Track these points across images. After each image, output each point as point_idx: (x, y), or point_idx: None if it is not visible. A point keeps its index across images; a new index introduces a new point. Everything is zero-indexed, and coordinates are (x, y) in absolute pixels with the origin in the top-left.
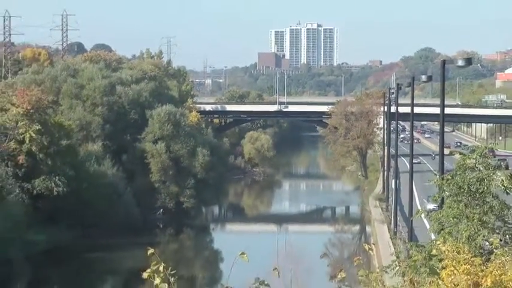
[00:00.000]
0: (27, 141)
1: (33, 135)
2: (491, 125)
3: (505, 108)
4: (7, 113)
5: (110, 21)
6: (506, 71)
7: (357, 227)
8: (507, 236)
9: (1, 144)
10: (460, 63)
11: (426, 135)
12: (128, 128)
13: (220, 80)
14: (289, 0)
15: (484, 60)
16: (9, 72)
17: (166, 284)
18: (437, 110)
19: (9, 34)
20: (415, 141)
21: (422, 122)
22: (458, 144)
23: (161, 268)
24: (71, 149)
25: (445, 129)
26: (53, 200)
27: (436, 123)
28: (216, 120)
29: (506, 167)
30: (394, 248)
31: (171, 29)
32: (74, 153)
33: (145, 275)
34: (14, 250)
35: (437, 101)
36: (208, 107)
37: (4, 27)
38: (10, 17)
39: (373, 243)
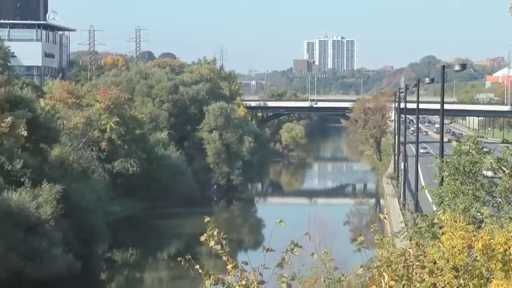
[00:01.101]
0: (108, 131)
1: (113, 125)
2: (482, 118)
3: (493, 104)
4: (92, 107)
5: (174, 33)
6: (494, 74)
7: (373, 200)
8: (495, 208)
9: (87, 133)
10: (457, 68)
11: (425, 125)
12: (188, 120)
13: (263, 82)
14: (319, 18)
15: (476, 66)
16: (94, 75)
17: (219, 246)
18: (438, 106)
19: (94, 45)
20: (424, 133)
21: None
22: (448, 130)
23: (215, 233)
24: (143, 137)
25: (444, 122)
26: (129, 178)
27: (436, 116)
28: (259, 114)
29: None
30: (403, 217)
31: (224, 39)
32: (145, 140)
33: (202, 238)
34: (98, 218)
35: (438, 99)
36: (253, 103)
37: (89, 39)
38: (94, 31)
39: (386, 213)
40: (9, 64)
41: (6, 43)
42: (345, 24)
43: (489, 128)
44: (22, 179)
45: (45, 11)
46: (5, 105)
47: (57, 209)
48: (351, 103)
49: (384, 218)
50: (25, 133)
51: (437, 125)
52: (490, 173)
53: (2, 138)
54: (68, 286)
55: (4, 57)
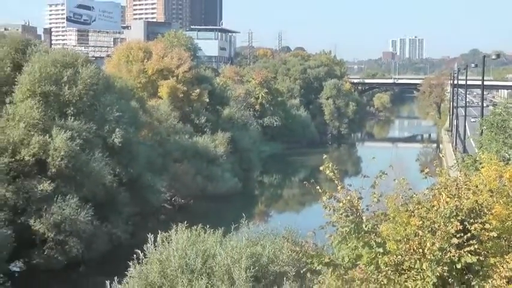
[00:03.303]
0: (260, 98)
1: (263, 94)
2: (510, 90)
3: None
4: (250, 83)
5: (304, 33)
6: None
7: (434, 145)
8: None
9: (247, 99)
10: (493, 57)
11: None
12: (312, 91)
13: (362, 66)
14: (399, 23)
15: (507, 55)
16: (251, 62)
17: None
18: (479, 82)
19: (251, 42)
20: (476, 103)
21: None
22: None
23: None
24: (282, 102)
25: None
26: (273, 129)
27: (478, 89)
28: (359, 87)
29: None
30: (455, 156)
31: (337, 37)
32: (284, 104)
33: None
34: (253, 155)
35: (480, 77)
36: (355, 80)
37: (248, 38)
38: (252, 33)
39: (443, 153)
40: (197, 55)
41: (196, 41)
42: (417, 25)
43: None
44: (205, 129)
45: (220, 19)
46: (194, 81)
47: (227, 149)
48: (421, 80)
49: (442, 156)
50: (207, 99)
51: (474, 93)
52: None
53: (192, 103)
54: (234, 198)
55: (194, 50)
